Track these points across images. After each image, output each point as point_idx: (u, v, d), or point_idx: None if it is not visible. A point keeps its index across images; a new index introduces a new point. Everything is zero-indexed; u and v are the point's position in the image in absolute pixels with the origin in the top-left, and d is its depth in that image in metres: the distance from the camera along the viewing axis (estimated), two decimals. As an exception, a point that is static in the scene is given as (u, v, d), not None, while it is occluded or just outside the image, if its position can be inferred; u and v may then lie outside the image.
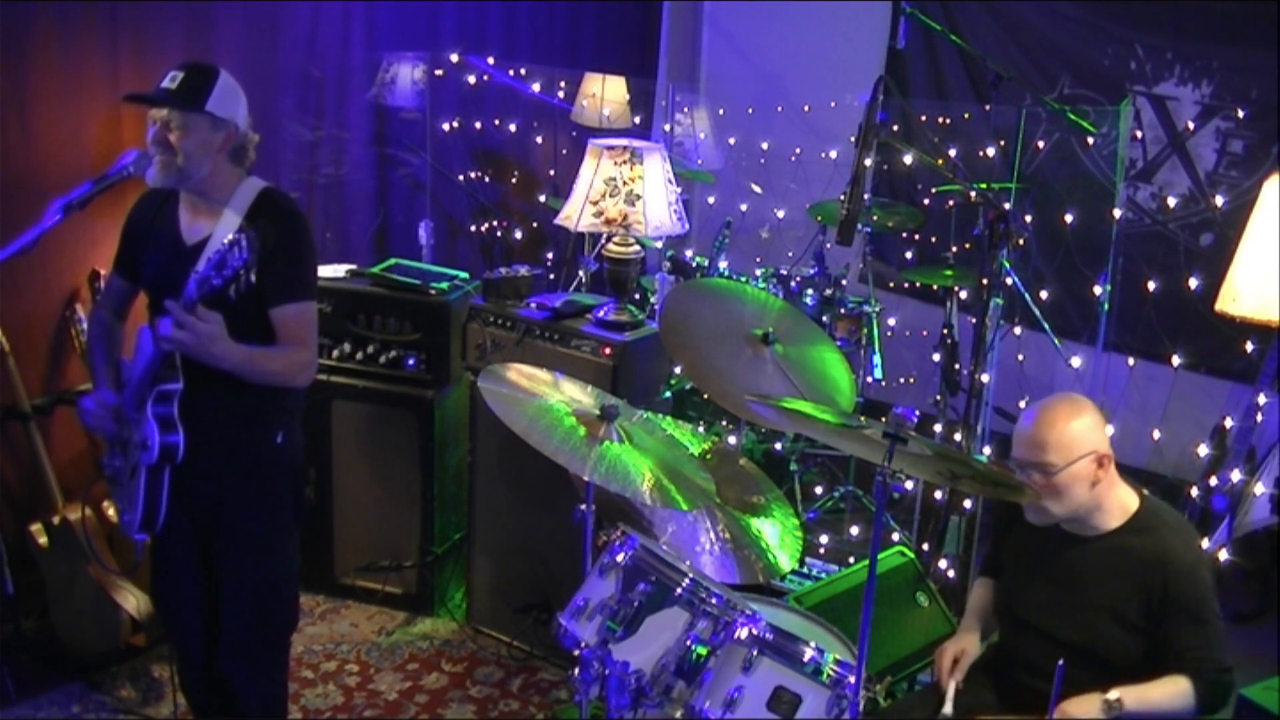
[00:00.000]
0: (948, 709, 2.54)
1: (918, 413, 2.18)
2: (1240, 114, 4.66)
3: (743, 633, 2.26)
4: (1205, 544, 2.85)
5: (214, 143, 2.55)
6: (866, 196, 4.00)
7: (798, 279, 4.49)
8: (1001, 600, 2.72)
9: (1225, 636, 2.44)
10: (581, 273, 4.37)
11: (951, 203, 4.92)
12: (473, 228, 5.12)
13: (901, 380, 5.18)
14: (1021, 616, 2.61)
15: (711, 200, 5.89)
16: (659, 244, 4.79)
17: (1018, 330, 4.57)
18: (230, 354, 2.45)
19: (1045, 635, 2.53)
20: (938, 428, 4.30)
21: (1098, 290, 4.46)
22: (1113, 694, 2.35)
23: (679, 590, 2.35)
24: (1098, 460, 2.45)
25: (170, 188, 2.60)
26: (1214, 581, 2.45)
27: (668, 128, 5.63)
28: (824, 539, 4.36)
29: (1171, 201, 4.87)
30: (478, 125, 5.13)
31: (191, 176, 2.56)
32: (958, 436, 3.75)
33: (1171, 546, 2.43)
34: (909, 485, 4.37)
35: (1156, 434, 4.50)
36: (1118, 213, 4.56)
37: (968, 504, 3.79)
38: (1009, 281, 4.07)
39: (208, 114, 2.52)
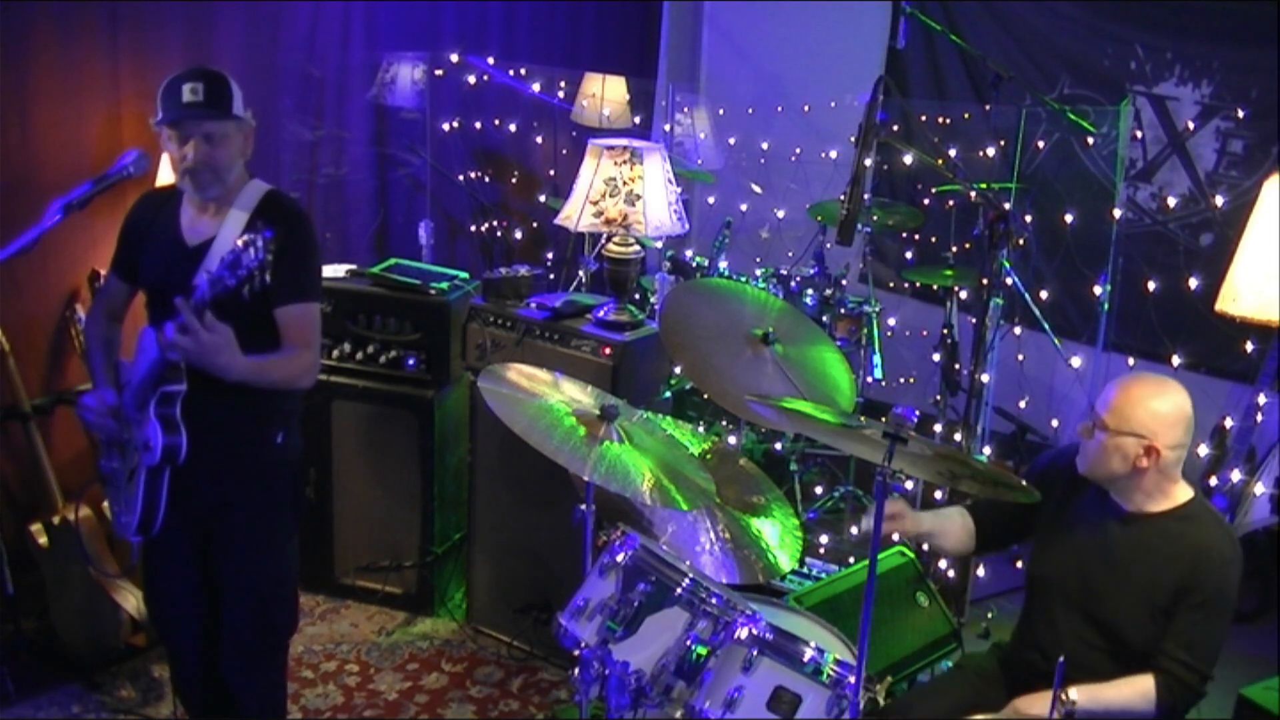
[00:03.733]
0: (865, 523, 2.60)
1: (918, 413, 2.18)
2: (1240, 114, 4.66)
3: (743, 633, 2.26)
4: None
5: (243, 145, 2.61)
6: (866, 196, 4.00)
7: (798, 279, 4.49)
8: (1031, 569, 2.69)
9: (1219, 644, 2.42)
10: (581, 273, 4.37)
11: (951, 203, 4.92)
12: (473, 228, 5.11)
13: (901, 380, 5.18)
14: (1051, 586, 2.59)
15: (711, 200, 5.89)
16: (659, 244, 4.79)
17: (1018, 330, 4.57)
18: (236, 367, 2.43)
19: (1071, 606, 2.53)
20: (938, 428, 4.30)
21: (1098, 290, 4.46)
22: (1070, 692, 2.33)
23: (679, 590, 2.35)
24: (1145, 448, 2.43)
25: (214, 198, 2.59)
26: (1238, 588, 2.43)
27: (668, 128, 5.63)
28: (824, 539, 4.36)
29: (1171, 201, 4.88)
30: (478, 125, 5.13)
31: (227, 183, 2.58)
32: (958, 436, 3.75)
33: (1214, 538, 2.43)
34: (909, 485, 4.37)
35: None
36: (1118, 213, 4.56)
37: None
38: (1009, 281, 4.07)
39: (236, 118, 2.56)
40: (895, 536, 2.79)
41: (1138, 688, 2.39)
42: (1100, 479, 2.51)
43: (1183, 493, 2.51)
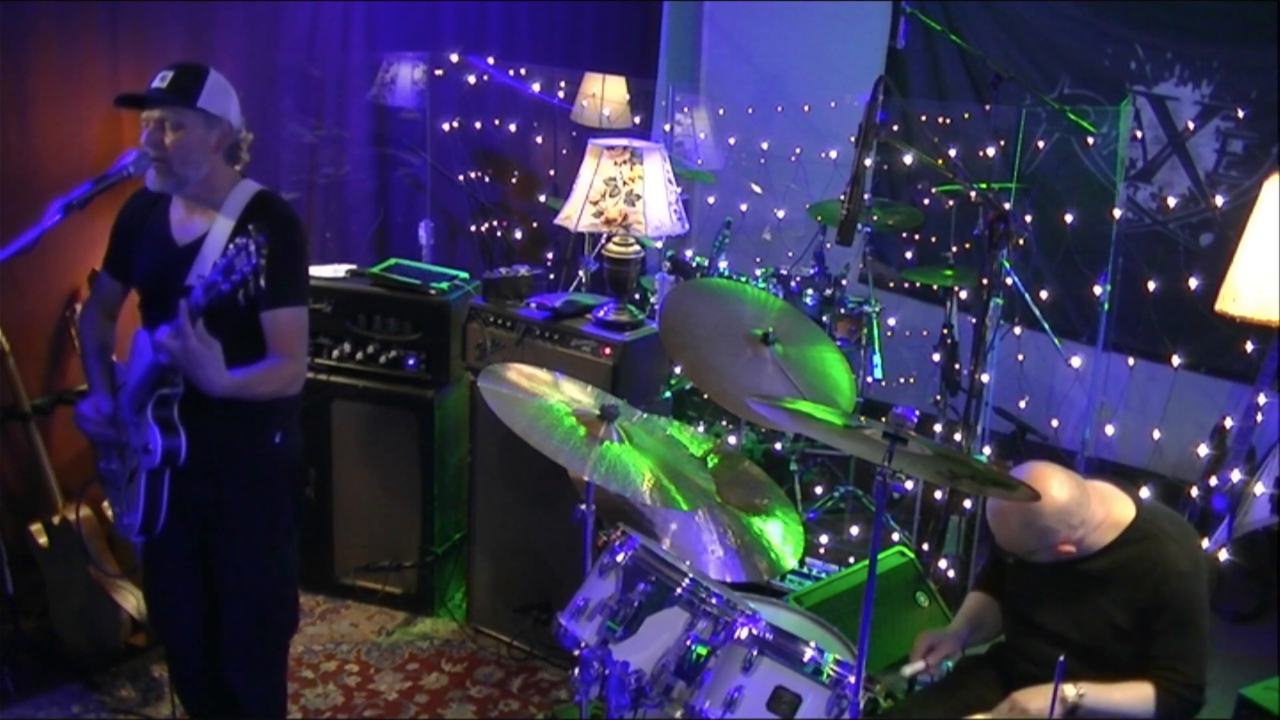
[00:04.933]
0: (907, 670, 2.59)
1: (918, 413, 2.18)
2: (1240, 114, 4.66)
3: (743, 633, 2.26)
4: (1205, 544, 2.85)
5: (209, 141, 2.54)
6: (866, 196, 4.00)
7: (798, 279, 4.49)
8: (1007, 600, 2.73)
9: (1206, 654, 2.43)
10: (581, 273, 4.38)
11: (951, 203, 4.92)
12: (473, 228, 5.12)
13: (901, 380, 5.18)
14: (1027, 615, 2.62)
15: (711, 200, 5.89)
16: (659, 244, 4.79)
17: (1018, 330, 4.57)
18: (219, 383, 2.41)
19: (1050, 633, 2.55)
20: (938, 428, 4.30)
21: (1098, 290, 4.47)
22: (1072, 689, 2.37)
23: (679, 590, 2.35)
24: (1064, 544, 2.44)
25: (170, 191, 2.59)
26: (1208, 594, 2.44)
27: (668, 128, 5.63)
28: (824, 539, 4.36)
29: (1171, 201, 4.88)
30: (478, 125, 5.13)
31: (189, 179, 2.55)
32: (958, 436, 3.75)
33: (1167, 554, 2.42)
34: (909, 485, 4.37)
35: (1156, 434, 4.50)
36: (1118, 213, 4.56)
37: (968, 504, 3.79)
38: (1009, 281, 4.08)
39: (201, 111, 2.51)
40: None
41: (1140, 692, 2.41)
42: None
43: (1123, 510, 2.50)
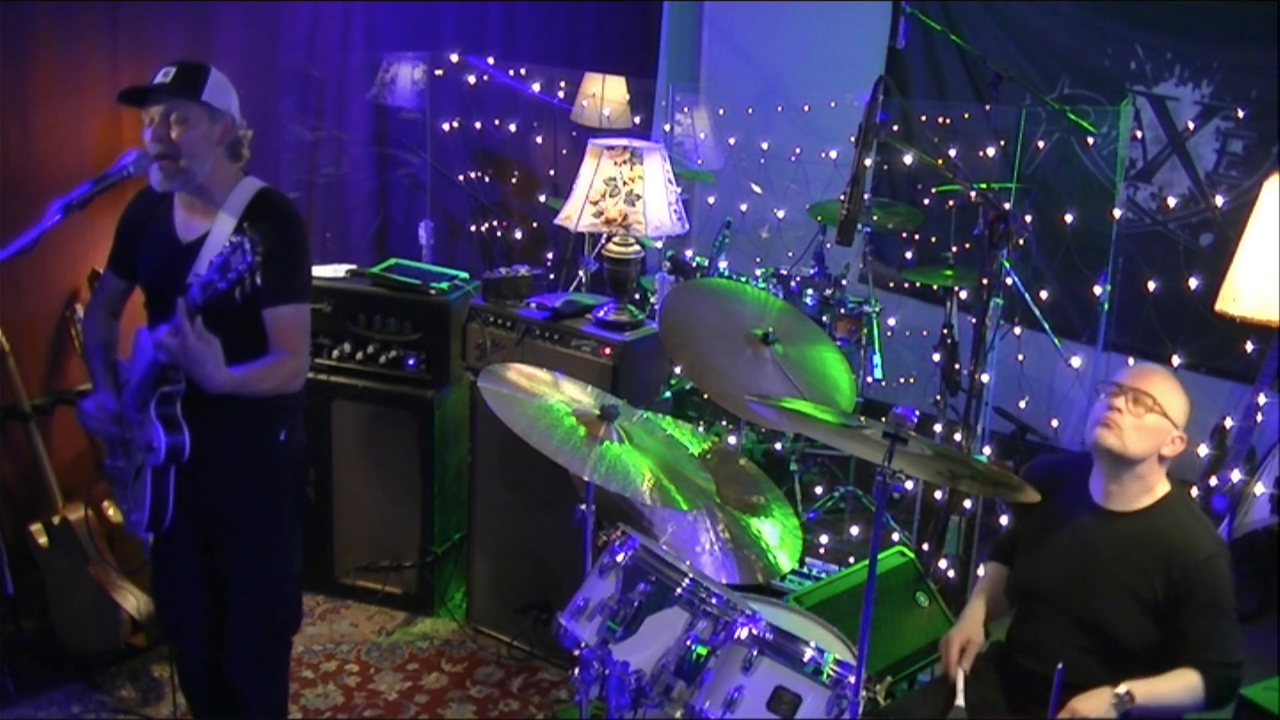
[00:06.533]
0: (960, 701, 2.53)
1: (918, 413, 2.18)
2: (1240, 114, 4.66)
3: (743, 633, 2.26)
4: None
5: (213, 136, 2.56)
6: (866, 196, 4.00)
7: (798, 279, 4.49)
8: (1017, 577, 2.71)
9: (1238, 631, 2.45)
10: (581, 273, 4.38)
11: (951, 203, 4.92)
12: (473, 228, 5.12)
13: (901, 380, 5.18)
14: (1038, 592, 2.61)
15: (711, 200, 5.89)
16: (659, 244, 4.79)
17: (1018, 330, 4.57)
18: (219, 380, 2.40)
19: (1060, 611, 2.54)
20: (938, 428, 4.30)
21: (1098, 290, 4.46)
22: (1122, 688, 2.36)
23: (679, 590, 2.35)
24: (1174, 440, 2.50)
25: (177, 190, 2.59)
26: (1232, 576, 2.46)
27: (668, 128, 5.64)
28: (824, 539, 4.36)
29: (1171, 201, 4.88)
30: (478, 125, 5.13)
31: (196, 176, 2.55)
32: (958, 436, 3.75)
33: (1193, 535, 2.45)
34: (909, 485, 4.37)
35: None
36: (1118, 213, 4.56)
37: (968, 504, 3.78)
38: (1009, 281, 4.07)
39: (205, 105, 2.52)
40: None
41: (1186, 682, 2.41)
42: (1120, 456, 2.50)
43: (1164, 486, 2.55)
